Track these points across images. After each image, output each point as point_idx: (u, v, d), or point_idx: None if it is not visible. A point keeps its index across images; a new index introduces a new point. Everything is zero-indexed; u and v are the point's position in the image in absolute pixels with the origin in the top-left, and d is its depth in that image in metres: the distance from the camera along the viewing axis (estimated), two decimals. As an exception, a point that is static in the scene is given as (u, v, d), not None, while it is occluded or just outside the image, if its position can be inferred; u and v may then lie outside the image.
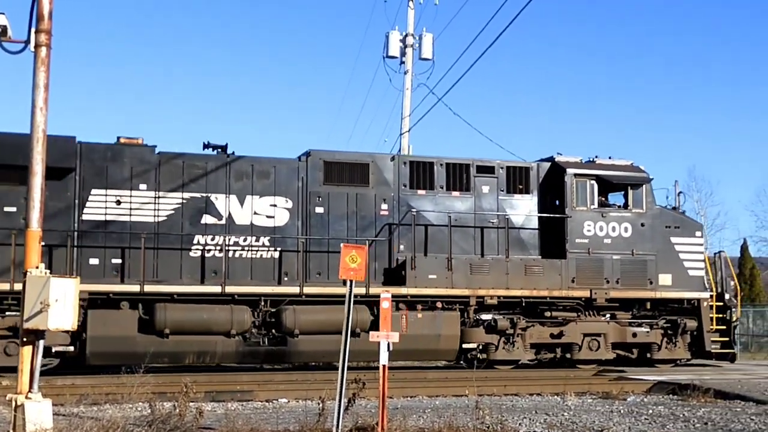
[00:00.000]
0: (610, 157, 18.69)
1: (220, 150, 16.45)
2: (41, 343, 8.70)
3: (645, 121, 74.53)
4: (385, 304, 9.27)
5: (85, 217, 15.15)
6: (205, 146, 16.59)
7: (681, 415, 11.54)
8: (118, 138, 15.96)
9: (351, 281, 8.92)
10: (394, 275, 16.48)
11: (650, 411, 12.05)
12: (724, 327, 18.58)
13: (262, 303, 15.55)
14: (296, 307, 15.54)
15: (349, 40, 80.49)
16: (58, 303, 8.39)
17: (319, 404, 9.12)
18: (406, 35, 27.50)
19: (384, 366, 8.91)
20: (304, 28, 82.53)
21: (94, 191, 15.22)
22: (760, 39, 71.44)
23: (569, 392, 13.96)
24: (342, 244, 9.48)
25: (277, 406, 12.02)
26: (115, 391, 11.84)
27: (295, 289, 15.60)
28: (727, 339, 18.54)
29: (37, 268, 8.71)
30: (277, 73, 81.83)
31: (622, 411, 12.06)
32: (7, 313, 14.42)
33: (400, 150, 25.73)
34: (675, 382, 14.75)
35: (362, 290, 15.80)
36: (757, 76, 71.12)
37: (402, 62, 27.75)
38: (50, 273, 13.02)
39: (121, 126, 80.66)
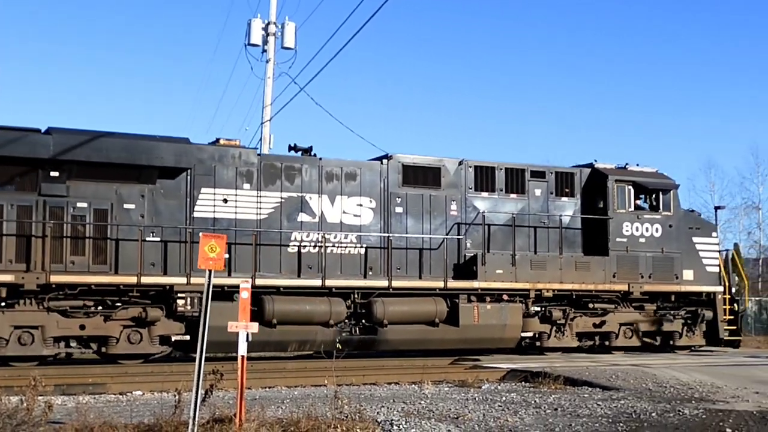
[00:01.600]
0: (637, 165, 20.85)
1: (306, 152, 17.71)
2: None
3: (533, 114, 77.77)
4: (245, 294, 8.98)
5: (196, 214, 16.21)
6: (291, 148, 17.83)
7: (533, 402, 11.91)
8: (217, 139, 17.03)
9: (210, 271, 8.61)
10: (464, 270, 18.15)
11: (504, 398, 12.39)
12: (732, 317, 21.11)
13: (355, 295, 16.97)
14: (384, 299, 17.03)
15: (210, 26, 79.73)
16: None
17: (175, 396, 8.78)
18: (269, 23, 27.16)
19: (243, 357, 8.75)
20: (162, 11, 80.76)
21: (203, 190, 16.29)
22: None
23: (426, 381, 14.19)
24: (201, 234, 9.19)
25: (132, 399, 11.91)
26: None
27: (384, 283, 17.08)
28: (734, 327, 21.08)
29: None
30: (136, 60, 78.62)
31: (477, 398, 12.36)
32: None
33: (261, 138, 26.31)
34: (527, 369, 15.38)
35: (440, 284, 17.54)
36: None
37: (264, 51, 27.32)
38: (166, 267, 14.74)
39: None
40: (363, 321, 17.10)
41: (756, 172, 48.47)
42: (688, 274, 20.15)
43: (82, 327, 15.06)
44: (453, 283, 17.54)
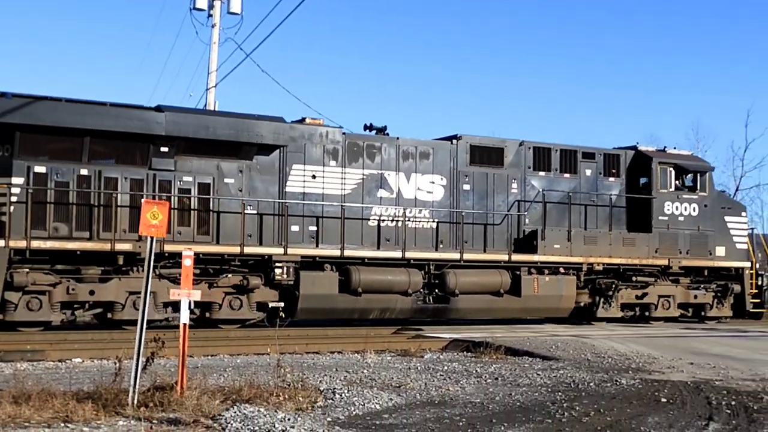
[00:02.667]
0: (675, 148, 22.40)
1: (380, 131, 18.93)
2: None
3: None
4: (188, 262, 8.80)
5: (288, 189, 17.40)
6: (366, 128, 19.01)
7: (474, 371, 11.96)
8: (303, 118, 18.15)
9: (152, 238, 8.58)
10: (523, 244, 19.58)
11: (445, 368, 12.47)
12: (757, 291, 22.89)
13: (429, 267, 18.33)
14: (456, 270, 18.42)
15: None
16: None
17: (115, 364, 8.69)
18: None
19: (185, 325, 8.67)
20: None
21: (294, 166, 17.47)
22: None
23: (369, 350, 14.12)
24: (143, 200, 9.28)
25: (71, 366, 11.76)
26: None
27: (456, 255, 18.47)
28: (759, 300, 22.88)
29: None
30: (79, 24, 78.38)
31: (419, 368, 12.45)
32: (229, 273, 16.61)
33: (206, 104, 26.38)
34: (469, 339, 15.51)
35: (505, 257, 18.99)
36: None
37: (210, 15, 27.24)
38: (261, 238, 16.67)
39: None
40: (436, 291, 18.48)
41: (696, 148, 50.21)
42: (720, 251, 21.83)
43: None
44: (516, 257, 18.97)
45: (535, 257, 19.22)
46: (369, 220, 18.15)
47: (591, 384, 10.88)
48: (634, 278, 20.71)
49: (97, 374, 9.54)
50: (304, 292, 16.86)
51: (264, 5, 40.73)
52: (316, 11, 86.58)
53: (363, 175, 18.15)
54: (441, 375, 11.60)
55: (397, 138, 18.73)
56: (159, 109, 16.40)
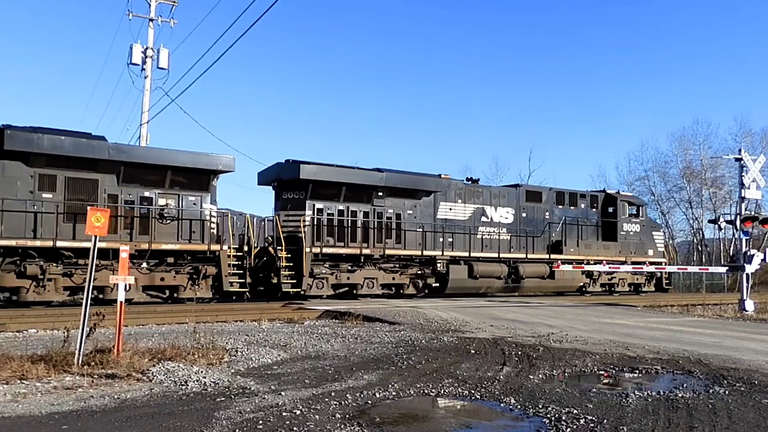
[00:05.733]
0: (619, 191, 36.49)
1: (475, 181, 31.27)
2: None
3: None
4: (124, 254, 10.16)
5: (438, 216, 29.37)
6: (468, 179, 31.30)
7: (340, 334, 13.76)
8: (439, 174, 30.18)
9: (96, 236, 9.77)
10: (553, 248, 32.54)
11: (320, 331, 14.23)
12: (667, 277, 37.35)
13: (509, 262, 30.89)
14: (524, 264, 31.10)
15: (98, 46, 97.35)
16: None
17: (65, 333, 9.78)
18: (147, 48, 32.85)
19: (121, 302, 9.86)
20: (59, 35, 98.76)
21: (441, 203, 29.47)
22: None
23: (264, 319, 16.25)
24: (88, 207, 10.48)
25: (27, 336, 12.86)
26: None
27: (523, 255, 31.18)
28: (668, 280, 37.36)
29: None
30: (32, 67, 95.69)
31: (300, 331, 14.16)
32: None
33: (140, 137, 32.25)
34: (337, 310, 18.01)
35: (546, 256, 31.92)
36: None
37: (143, 69, 32.85)
38: (425, 245, 27.73)
39: None
40: (512, 276, 31.06)
41: (496, 175, 67.74)
42: (650, 252, 35.96)
43: (393, 278, 27.85)
44: (552, 256, 32.00)
45: (561, 256, 32.26)
46: (477, 234, 30.45)
47: (423, 341, 12.88)
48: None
49: (49, 341, 10.70)
50: (452, 277, 28.91)
51: (192, 59, 53.48)
52: (238, 62, 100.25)
53: (474, 208, 30.44)
54: (316, 336, 13.37)
55: (490, 186, 31.23)
56: (379, 170, 27.87)
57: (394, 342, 12.80)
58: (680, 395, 8.33)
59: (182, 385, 8.40)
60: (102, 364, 9.17)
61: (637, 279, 35.83)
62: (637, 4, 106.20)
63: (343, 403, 7.75)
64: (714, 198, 57.53)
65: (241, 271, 23.68)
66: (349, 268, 26.71)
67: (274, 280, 24.79)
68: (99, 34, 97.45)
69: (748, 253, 23.50)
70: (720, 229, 35.70)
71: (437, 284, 28.94)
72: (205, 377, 8.76)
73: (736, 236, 26.04)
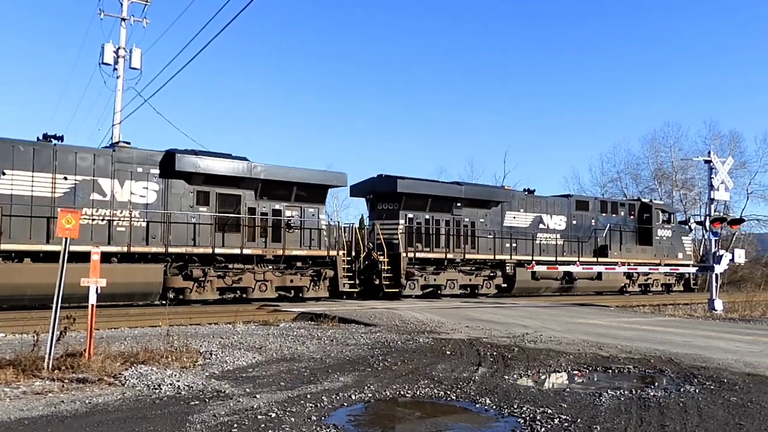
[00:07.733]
0: (653, 199, 40.40)
1: (531, 192, 34.97)
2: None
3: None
4: (95, 257, 10.15)
5: (504, 224, 33.04)
6: (525, 190, 34.97)
7: (316, 335, 13.74)
8: (503, 186, 33.86)
9: (67, 239, 9.66)
10: (599, 252, 36.32)
11: (295, 333, 14.16)
12: (695, 278, 41.37)
13: (562, 265, 34.61)
14: (576, 267, 34.84)
15: (69, 46, 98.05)
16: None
17: (34, 337, 9.54)
18: (119, 48, 31.49)
19: (92, 305, 9.75)
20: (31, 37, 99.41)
21: (507, 212, 33.15)
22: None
23: (239, 321, 16.16)
24: (59, 209, 10.55)
25: None
26: None
27: (575, 258, 34.91)
28: (694, 281, 41.39)
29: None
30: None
31: (275, 333, 14.01)
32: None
33: (112, 137, 29.90)
34: (312, 312, 17.68)
35: (594, 259, 35.71)
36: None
37: (115, 69, 31.47)
38: (495, 250, 31.17)
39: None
40: (566, 278, 34.80)
41: (472, 175, 68.07)
42: (680, 255, 39.92)
43: (470, 279, 31.47)
44: (600, 259, 35.77)
45: (607, 258, 36.05)
46: (536, 240, 34.16)
47: (398, 343, 12.76)
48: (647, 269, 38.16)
49: (18, 345, 10.51)
50: (518, 278, 32.60)
51: (166, 56, 55.80)
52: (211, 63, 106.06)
53: (533, 216, 34.15)
54: (292, 339, 13.17)
55: (545, 197, 34.97)
56: (458, 183, 31.46)
57: (370, 344, 12.79)
58: (652, 394, 8.43)
59: (155, 388, 8.32)
60: (73, 368, 9.02)
61: (669, 279, 39.75)
62: (606, 10, 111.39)
63: (318, 405, 7.71)
64: (684, 200, 59.18)
65: (351, 274, 27.15)
66: (434, 270, 30.24)
67: (376, 282, 28.27)
68: (70, 33, 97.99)
69: (717, 253, 24.08)
70: (690, 230, 39.95)
71: (505, 285, 32.57)
72: (178, 381, 8.68)
73: (706, 237, 26.59)
